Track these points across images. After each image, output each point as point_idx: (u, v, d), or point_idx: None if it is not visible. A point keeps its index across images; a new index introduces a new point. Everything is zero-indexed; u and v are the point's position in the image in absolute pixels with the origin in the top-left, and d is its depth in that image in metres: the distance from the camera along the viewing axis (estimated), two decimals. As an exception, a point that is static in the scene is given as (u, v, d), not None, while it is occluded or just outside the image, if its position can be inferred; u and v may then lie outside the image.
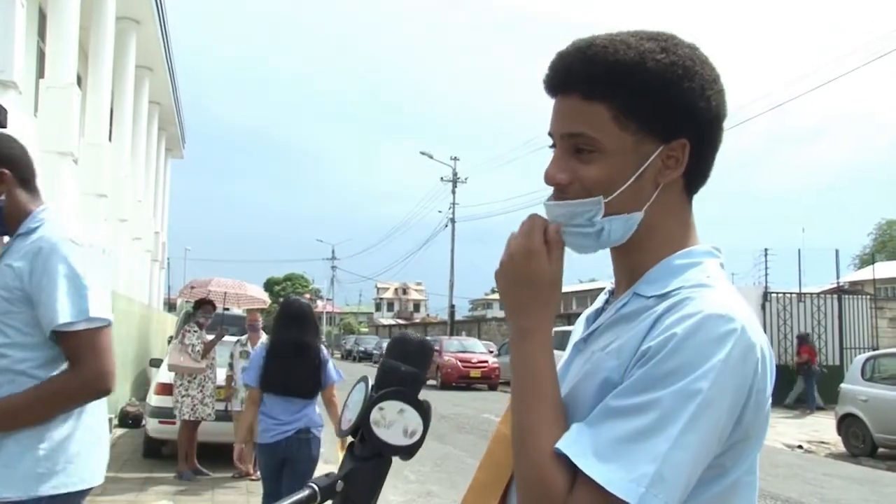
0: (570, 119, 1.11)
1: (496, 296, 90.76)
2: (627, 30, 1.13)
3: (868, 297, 20.62)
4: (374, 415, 1.04)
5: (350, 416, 1.08)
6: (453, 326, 38.19)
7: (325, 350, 5.02)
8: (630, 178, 1.09)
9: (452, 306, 38.92)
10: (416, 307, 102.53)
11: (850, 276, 35.52)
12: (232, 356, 8.21)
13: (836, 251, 21.12)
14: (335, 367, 5.04)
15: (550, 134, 1.15)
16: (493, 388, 24.46)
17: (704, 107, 1.10)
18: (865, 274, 34.98)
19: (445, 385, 24.30)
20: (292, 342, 4.84)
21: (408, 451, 1.06)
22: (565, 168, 1.11)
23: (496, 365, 24.91)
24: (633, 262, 1.15)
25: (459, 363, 24.52)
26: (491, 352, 27.06)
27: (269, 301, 13.83)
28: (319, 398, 5.01)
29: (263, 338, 8.26)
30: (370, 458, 1.05)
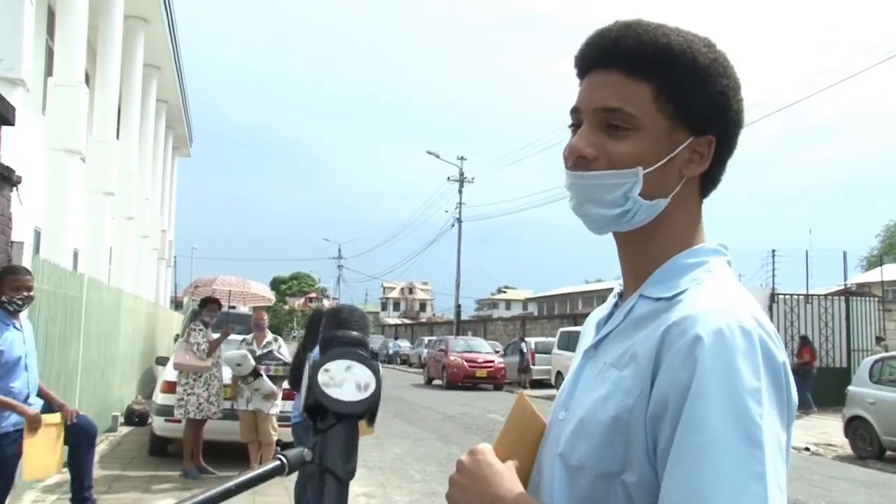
0: (608, 93, 1.08)
1: (502, 296, 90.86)
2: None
3: (876, 298, 20.53)
4: (322, 377, 1.00)
5: (304, 394, 1.05)
6: (459, 326, 38.18)
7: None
8: (661, 161, 1.07)
9: (458, 306, 38.92)
10: (423, 307, 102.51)
11: (858, 277, 35.38)
12: (238, 355, 8.21)
13: (844, 253, 21.12)
14: None
15: (576, 109, 1.13)
16: (498, 388, 24.45)
17: (735, 108, 1.11)
18: (873, 276, 34.84)
19: (451, 385, 24.32)
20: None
21: (367, 406, 1.01)
22: (594, 143, 1.08)
23: (502, 365, 24.91)
24: (641, 254, 1.13)
25: (465, 363, 24.52)
26: (497, 352, 27.05)
27: (274, 299, 13.84)
28: None
29: (269, 336, 8.28)
30: (333, 425, 1.01)
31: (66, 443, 5.32)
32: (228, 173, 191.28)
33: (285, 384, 7.94)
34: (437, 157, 37.57)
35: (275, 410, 8.02)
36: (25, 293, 4.88)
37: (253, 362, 7.78)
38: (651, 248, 1.12)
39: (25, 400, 4.87)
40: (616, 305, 1.19)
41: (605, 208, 1.09)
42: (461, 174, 38.75)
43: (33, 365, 5.02)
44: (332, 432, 1.00)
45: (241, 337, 8.43)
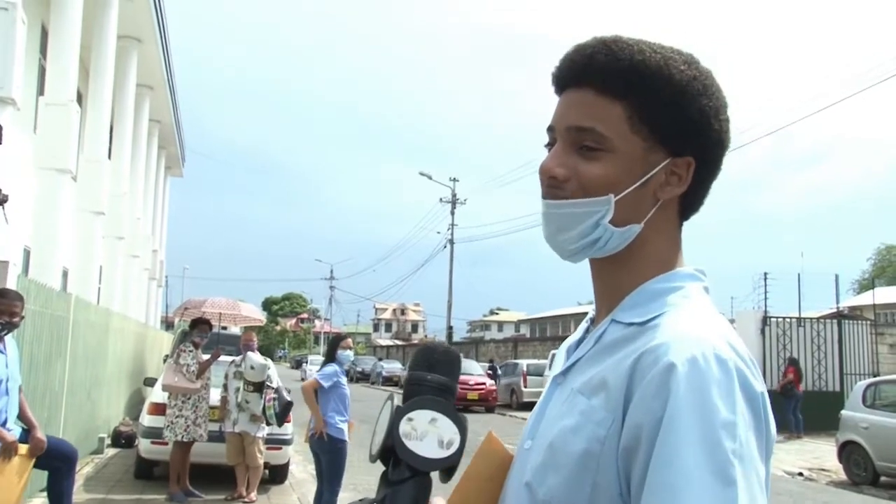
0: (580, 113, 1.04)
1: (494, 317, 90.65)
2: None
3: (868, 322, 20.53)
4: (404, 427, 0.94)
5: (379, 438, 0.98)
6: (451, 348, 37.98)
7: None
8: (634, 184, 1.03)
9: (450, 327, 38.80)
10: (415, 328, 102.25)
11: (850, 301, 35.46)
12: (226, 376, 8.11)
13: (836, 276, 21.08)
14: None
15: (551, 128, 1.09)
16: (490, 410, 24.33)
17: (716, 129, 1.06)
18: (865, 299, 34.92)
19: (442, 407, 24.07)
20: None
21: (447, 465, 0.95)
22: (564, 163, 1.04)
23: (493, 387, 24.78)
24: (615, 280, 1.08)
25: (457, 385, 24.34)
26: (489, 374, 26.92)
27: (264, 320, 13.77)
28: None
29: (259, 357, 8.18)
30: (407, 479, 0.94)
31: (45, 468, 5.20)
32: (221, 193, 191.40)
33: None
34: (430, 178, 37.62)
35: (262, 433, 7.92)
36: (8, 318, 4.79)
37: (264, 376, 7.75)
38: (625, 272, 1.07)
39: (3, 424, 4.77)
40: (587, 331, 1.14)
41: (576, 237, 1.05)
42: (453, 195, 38.80)
43: (14, 389, 4.92)
44: (403, 489, 0.94)
45: (230, 358, 8.33)
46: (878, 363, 19.15)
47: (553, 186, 1.05)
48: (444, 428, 0.96)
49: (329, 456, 6.37)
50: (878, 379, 13.20)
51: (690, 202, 1.10)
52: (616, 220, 1.03)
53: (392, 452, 0.95)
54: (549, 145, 1.10)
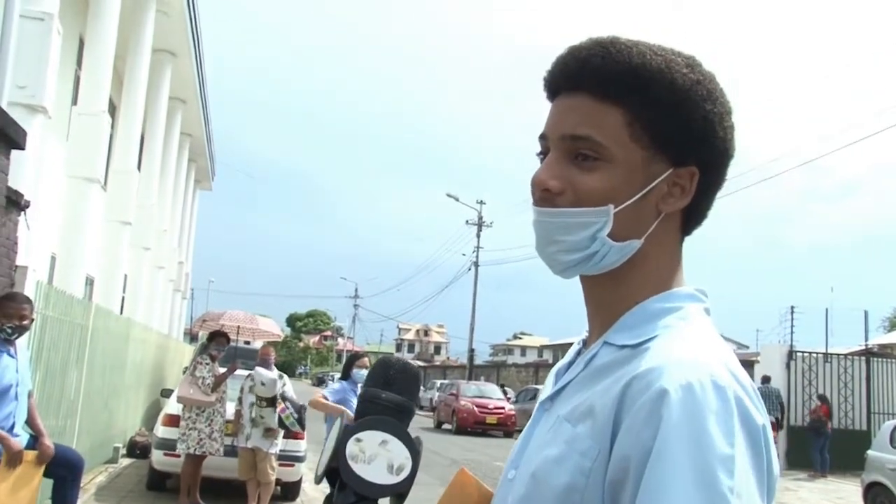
0: (575, 120, 0.97)
1: (518, 342, 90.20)
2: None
3: (897, 361, 20.09)
4: (351, 448, 0.88)
5: (326, 457, 0.92)
6: (472, 371, 37.82)
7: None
8: (634, 196, 0.96)
9: (472, 350, 38.60)
10: (437, 349, 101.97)
11: (880, 338, 34.72)
12: (242, 390, 8.09)
13: (865, 312, 20.69)
14: None
15: (543, 136, 1.01)
16: (508, 434, 24.11)
17: (721, 136, 0.98)
18: (894, 337, 34.22)
19: (461, 430, 24.03)
20: None
21: (395, 492, 0.89)
22: (559, 174, 0.96)
23: (512, 412, 24.58)
24: (609, 298, 1.00)
25: (476, 408, 24.25)
26: (508, 398, 26.73)
27: (282, 335, 13.75)
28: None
29: (275, 373, 8.15)
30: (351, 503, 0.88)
31: (50, 476, 5.18)
32: (250, 207, 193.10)
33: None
34: (457, 199, 37.63)
35: (274, 450, 7.86)
36: (17, 321, 4.79)
37: (278, 389, 7.70)
38: (620, 290, 0.99)
39: (10, 430, 4.75)
40: (579, 353, 1.06)
41: (571, 250, 0.97)
42: (480, 218, 38.76)
43: (24, 395, 4.91)
44: None
45: (247, 372, 8.32)
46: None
47: (546, 200, 0.97)
48: (396, 452, 0.90)
49: None
50: (906, 420, 12.86)
51: (693, 215, 1.02)
52: (615, 233, 0.95)
53: (338, 474, 0.89)
54: (542, 154, 1.02)
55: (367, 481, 0.87)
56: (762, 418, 0.85)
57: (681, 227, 1.02)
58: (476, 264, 38.25)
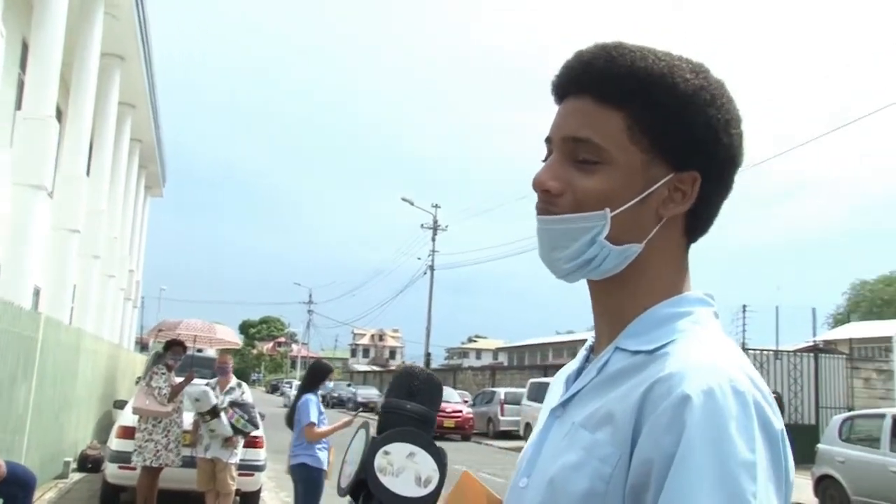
0: (576, 122, 0.98)
1: (473, 345, 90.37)
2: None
3: (844, 356, 20.65)
4: (380, 461, 0.86)
5: (350, 470, 0.90)
6: (429, 375, 37.77)
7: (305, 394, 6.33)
8: (633, 200, 0.96)
9: (428, 354, 38.59)
10: (392, 354, 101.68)
11: (826, 334, 35.71)
12: (199, 400, 7.94)
13: (813, 310, 21.28)
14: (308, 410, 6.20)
15: (548, 139, 1.02)
16: (466, 438, 24.15)
17: (726, 143, 0.98)
18: (839, 333, 35.18)
19: (418, 434, 23.93)
20: None
21: None
22: (559, 175, 0.97)
23: (470, 415, 24.62)
24: (617, 304, 1.00)
25: (433, 412, 24.23)
26: (465, 402, 26.77)
27: (240, 343, 13.56)
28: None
29: (233, 381, 8.02)
30: None
31: (1, 495, 5.01)
32: (201, 214, 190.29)
33: (259, 431, 7.81)
34: (412, 203, 37.60)
35: (234, 459, 7.73)
36: None
37: (213, 400, 7.53)
38: (627, 296, 1.00)
39: None
40: (587, 359, 1.06)
41: (570, 255, 0.97)
42: (435, 222, 38.77)
43: None
44: None
45: (204, 381, 8.16)
46: (853, 397, 19.22)
47: (546, 201, 0.98)
48: (423, 464, 0.88)
49: (306, 485, 6.27)
50: (854, 413, 13.22)
51: (697, 221, 1.02)
52: (613, 237, 0.96)
53: (364, 487, 0.87)
54: (546, 158, 1.03)
55: (397, 494, 0.86)
56: (780, 423, 0.86)
57: (684, 232, 1.02)
58: (431, 268, 38.26)
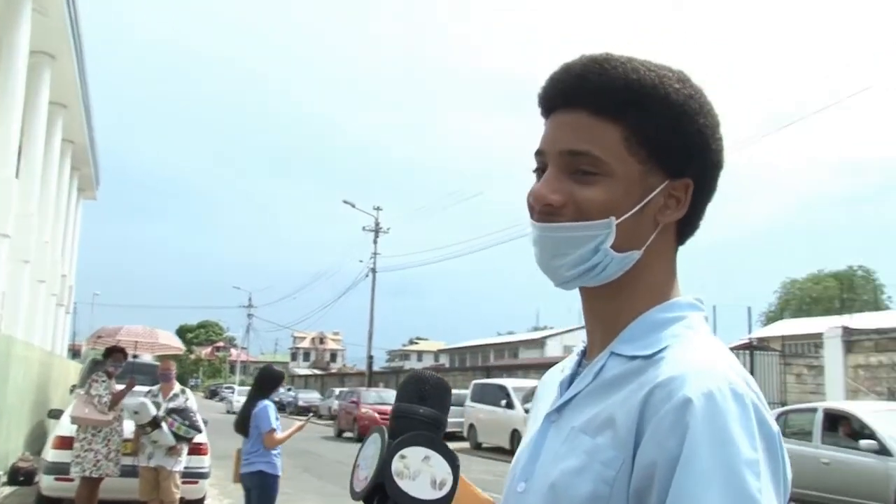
0: (574, 135, 0.99)
1: (414, 347, 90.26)
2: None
3: (777, 353, 21.30)
4: (397, 465, 0.88)
5: (366, 474, 0.91)
6: (371, 377, 37.65)
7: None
8: (634, 209, 0.98)
9: (371, 357, 38.45)
10: (333, 357, 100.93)
11: (759, 332, 36.81)
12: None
13: (749, 308, 21.86)
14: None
15: (541, 152, 1.03)
16: (411, 441, 24.12)
17: (714, 149, 1.02)
18: (772, 330, 36.25)
19: (362, 437, 23.60)
20: None
21: None
22: (559, 189, 0.98)
23: (415, 417, 24.63)
24: (611, 309, 1.02)
25: (377, 415, 24.13)
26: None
27: (183, 348, 13.28)
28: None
29: (176, 387, 7.85)
30: None
31: None
32: (138, 218, 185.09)
33: (203, 437, 7.59)
34: (353, 206, 37.42)
35: (178, 467, 7.57)
36: None
37: (153, 411, 7.35)
38: (622, 301, 1.02)
39: None
40: (580, 364, 1.08)
41: (574, 263, 0.99)
42: (377, 224, 38.66)
43: None
44: None
45: (146, 388, 7.96)
46: (786, 392, 19.84)
47: (548, 214, 0.99)
48: (438, 467, 0.89)
49: (261, 491, 6.21)
50: (788, 408, 13.65)
51: (687, 226, 1.05)
52: (616, 245, 0.98)
53: (377, 491, 0.89)
54: (538, 170, 1.04)
55: (414, 497, 0.87)
56: (776, 425, 0.89)
57: (676, 237, 1.05)
58: (374, 270, 38.13)
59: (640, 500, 0.86)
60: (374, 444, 0.94)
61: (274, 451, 6.23)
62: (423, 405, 0.95)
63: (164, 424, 7.36)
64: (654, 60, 1.04)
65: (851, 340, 15.21)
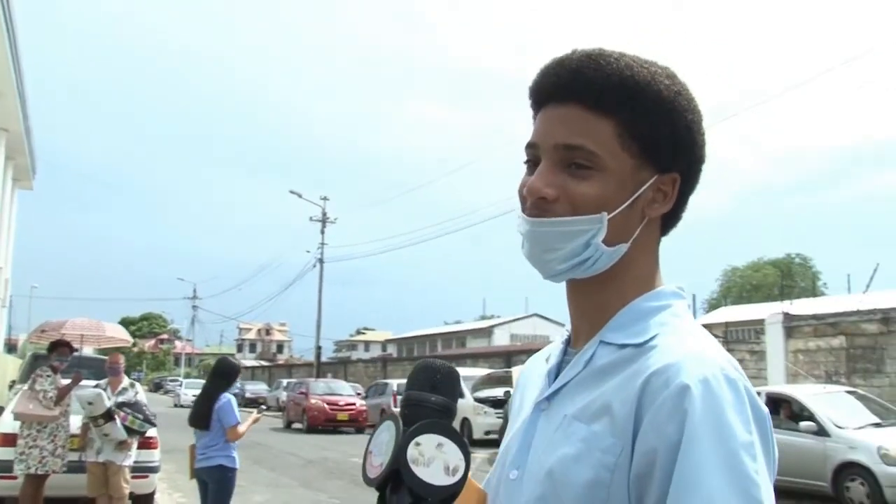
0: (568, 129, 1.00)
1: (361, 337, 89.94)
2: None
3: (720, 339, 21.84)
4: (412, 452, 0.90)
5: (380, 460, 0.92)
6: (320, 368, 37.45)
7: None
8: (625, 203, 1.00)
9: (319, 348, 38.23)
10: (280, 348, 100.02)
11: (702, 319, 37.73)
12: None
13: (693, 296, 22.35)
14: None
15: (533, 145, 1.04)
16: (360, 430, 24.14)
17: (700, 143, 1.06)
18: (715, 317, 37.13)
19: (312, 428, 23.81)
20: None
21: (451, 493, 0.91)
22: (552, 182, 1.00)
23: (363, 408, 24.61)
24: (598, 299, 1.05)
25: (326, 406, 24.11)
26: (358, 394, 26.74)
27: (131, 340, 13.01)
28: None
29: (125, 381, 7.69)
30: None
31: None
32: (76, 208, 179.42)
33: (153, 431, 7.48)
34: (300, 196, 37.03)
35: (128, 462, 7.42)
36: None
37: (107, 403, 7.20)
38: (609, 292, 1.04)
39: None
40: (565, 353, 1.10)
41: (565, 257, 1.01)
42: (324, 214, 38.36)
43: None
44: None
45: (93, 382, 7.78)
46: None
47: (541, 207, 1.01)
48: (451, 454, 0.92)
49: (220, 485, 6.16)
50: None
51: (672, 218, 1.08)
52: (607, 239, 1.00)
53: (394, 481, 0.91)
54: (530, 163, 1.05)
55: (429, 483, 0.89)
56: (765, 407, 0.93)
57: (659, 229, 1.08)
58: (321, 261, 37.85)
59: (640, 485, 0.89)
60: (387, 431, 0.95)
61: (232, 445, 6.21)
62: (434, 393, 0.97)
63: (116, 417, 7.23)
64: (644, 57, 1.06)
65: (792, 326, 15.67)
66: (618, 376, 0.96)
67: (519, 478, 1.01)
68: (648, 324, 1.00)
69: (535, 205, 1.01)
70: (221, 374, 6.44)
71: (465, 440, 0.94)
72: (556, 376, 1.06)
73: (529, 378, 1.16)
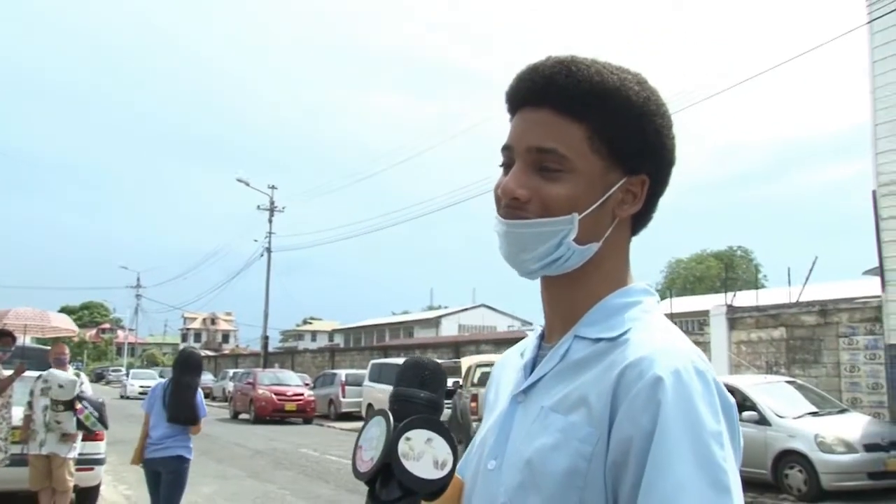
0: (541, 133, 1.05)
1: (308, 327, 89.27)
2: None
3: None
4: (402, 447, 0.92)
5: (370, 455, 0.94)
6: (267, 358, 37.09)
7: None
8: (595, 204, 1.05)
9: (266, 337, 37.81)
10: (226, 338, 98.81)
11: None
12: (32, 393, 7.36)
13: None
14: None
15: (508, 147, 1.09)
16: (308, 421, 24.04)
17: (669, 147, 1.10)
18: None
19: (259, 419, 23.63)
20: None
21: (440, 486, 0.94)
22: (525, 183, 1.05)
23: (311, 398, 24.49)
24: (572, 296, 1.10)
25: (274, 396, 23.91)
26: (306, 384, 26.58)
27: (77, 330, 12.72)
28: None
29: (70, 372, 7.51)
30: (398, 499, 0.92)
31: None
32: (15, 195, 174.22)
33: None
34: (247, 184, 36.54)
35: (73, 454, 7.27)
36: None
37: (76, 392, 7.08)
38: (581, 289, 1.09)
39: None
40: (539, 348, 1.15)
41: (539, 257, 1.06)
42: (272, 203, 37.93)
43: None
44: None
45: (37, 373, 7.58)
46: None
47: (514, 207, 1.05)
48: (439, 448, 0.95)
49: (175, 476, 6.16)
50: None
51: (642, 218, 1.13)
52: (578, 238, 1.05)
53: (384, 474, 0.93)
54: (505, 165, 1.10)
55: (419, 477, 0.92)
56: (731, 396, 0.98)
57: (630, 229, 1.13)
58: (269, 250, 37.43)
59: (616, 473, 0.93)
60: (377, 426, 0.97)
61: (191, 436, 6.29)
62: (423, 389, 1.00)
63: (74, 409, 7.09)
64: (614, 63, 1.11)
65: (735, 318, 16.05)
66: (593, 369, 1.00)
67: (497, 467, 1.05)
68: (621, 318, 1.05)
69: (509, 205, 1.06)
70: (196, 366, 6.50)
71: (452, 435, 0.97)
72: (532, 370, 1.11)
73: (504, 372, 1.21)
